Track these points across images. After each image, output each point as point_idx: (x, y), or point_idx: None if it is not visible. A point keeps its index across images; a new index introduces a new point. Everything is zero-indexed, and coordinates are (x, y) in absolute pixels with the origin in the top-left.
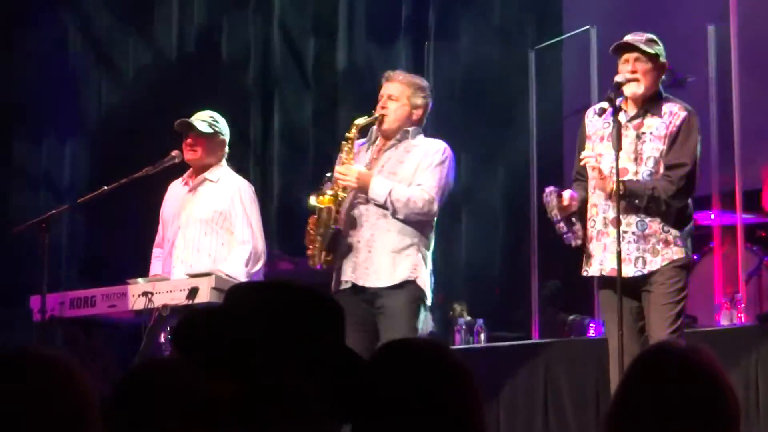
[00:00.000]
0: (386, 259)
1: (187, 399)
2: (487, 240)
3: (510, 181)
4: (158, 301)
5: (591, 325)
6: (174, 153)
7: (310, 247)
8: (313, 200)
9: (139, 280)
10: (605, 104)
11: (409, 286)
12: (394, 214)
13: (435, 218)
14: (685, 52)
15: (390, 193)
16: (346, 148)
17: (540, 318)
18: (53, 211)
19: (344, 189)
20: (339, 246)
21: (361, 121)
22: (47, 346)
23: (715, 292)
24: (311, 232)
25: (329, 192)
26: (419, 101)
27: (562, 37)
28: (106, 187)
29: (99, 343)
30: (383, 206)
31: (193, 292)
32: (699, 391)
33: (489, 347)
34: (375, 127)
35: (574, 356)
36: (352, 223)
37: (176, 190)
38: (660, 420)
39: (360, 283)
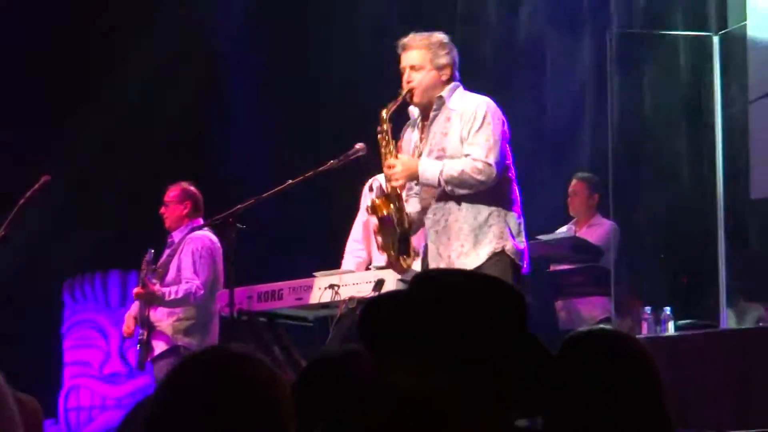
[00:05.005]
0: (468, 239)
1: (368, 392)
2: (674, 226)
3: (696, 168)
4: (345, 293)
5: None
6: (358, 146)
7: (388, 254)
8: (369, 211)
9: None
10: None
11: (497, 257)
12: (452, 192)
13: (512, 183)
14: None
15: (441, 173)
16: (383, 143)
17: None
18: (239, 206)
19: (396, 186)
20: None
21: (388, 108)
22: (237, 343)
23: None
24: (379, 240)
25: (378, 198)
26: (443, 60)
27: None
28: (290, 181)
29: (285, 336)
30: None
31: (379, 283)
32: None
33: (675, 336)
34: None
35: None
36: (422, 214)
37: None
38: None
39: None
